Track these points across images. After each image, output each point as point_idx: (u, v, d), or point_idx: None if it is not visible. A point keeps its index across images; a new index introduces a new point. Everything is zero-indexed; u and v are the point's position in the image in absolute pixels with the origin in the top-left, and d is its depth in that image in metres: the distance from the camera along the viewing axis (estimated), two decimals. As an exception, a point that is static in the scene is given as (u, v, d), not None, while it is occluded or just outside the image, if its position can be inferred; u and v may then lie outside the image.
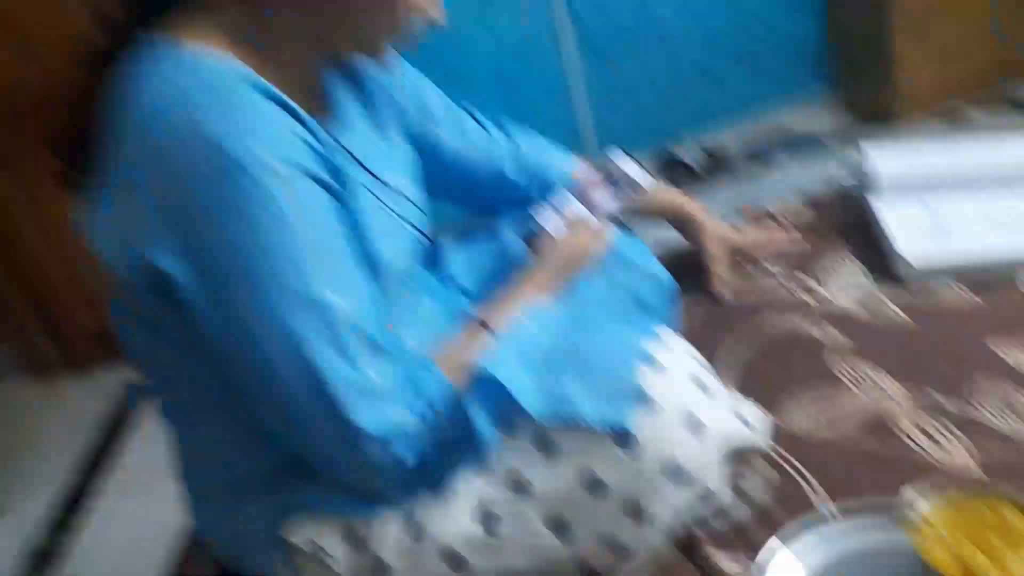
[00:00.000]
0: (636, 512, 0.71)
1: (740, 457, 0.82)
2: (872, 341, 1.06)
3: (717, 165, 2.75)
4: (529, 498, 0.72)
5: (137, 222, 0.62)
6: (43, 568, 1.40)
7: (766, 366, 1.07)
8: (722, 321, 1.16)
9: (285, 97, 0.65)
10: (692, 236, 1.20)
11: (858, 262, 1.22)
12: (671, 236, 1.25)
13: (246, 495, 0.76)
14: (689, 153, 2.74)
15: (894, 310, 1.10)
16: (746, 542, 0.80)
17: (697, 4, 2.72)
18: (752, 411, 0.83)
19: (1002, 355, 0.98)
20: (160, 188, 0.60)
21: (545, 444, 0.72)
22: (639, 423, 0.69)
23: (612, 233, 0.99)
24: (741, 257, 1.25)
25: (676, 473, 0.70)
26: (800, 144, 2.65)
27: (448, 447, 0.70)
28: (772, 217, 1.40)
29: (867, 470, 0.86)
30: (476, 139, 1.02)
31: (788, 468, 0.88)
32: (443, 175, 1.00)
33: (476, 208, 1.09)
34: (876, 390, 0.97)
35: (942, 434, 0.89)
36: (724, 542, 0.81)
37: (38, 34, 2.00)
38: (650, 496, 0.71)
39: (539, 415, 0.70)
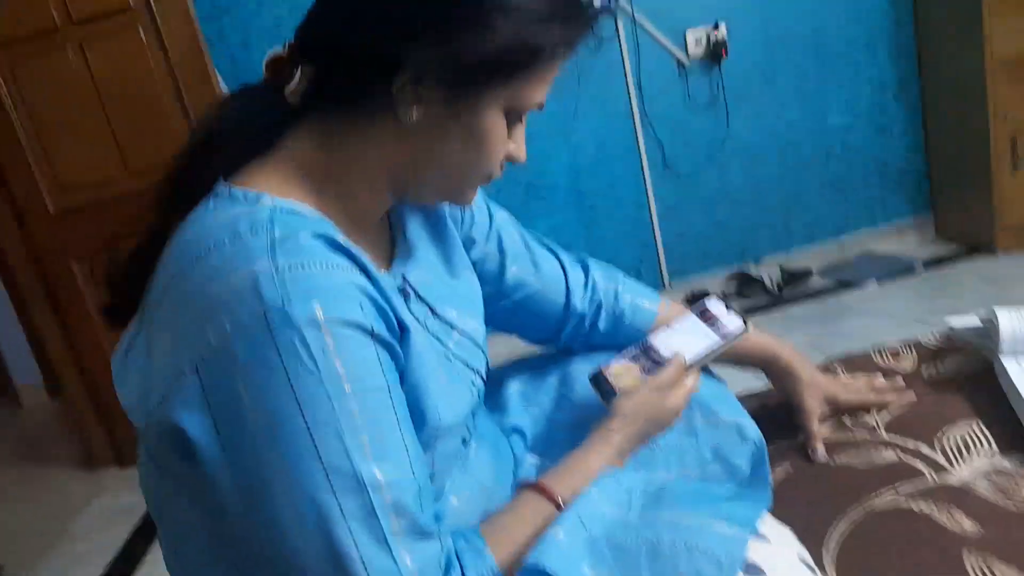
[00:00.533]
0: None
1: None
2: (1004, 529, 0.89)
3: (798, 286, 2.64)
4: None
5: (162, 370, 0.56)
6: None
7: (868, 546, 0.91)
8: (818, 487, 1.00)
9: (351, 245, 0.60)
10: (786, 386, 1.06)
11: (983, 426, 1.05)
12: (760, 382, 1.12)
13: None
14: (767, 272, 2.63)
15: (1032, 493, 0.93)
16: None
17: (782, 128, 2.68)
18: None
19: None
20: (195, 337, 0.54)
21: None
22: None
23: (696, 380, 0.88)
24: (841, 411, 1.11)
25: None
26: (892, 269, 2.50)
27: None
28: (873, 362, 1.25)
29: None
30: (548, 272, 0.94)
31: None
32: (510, 308, 0.93)
33: (544, 340, 1.01)
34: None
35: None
36: None
37: (142, 157, 2.13)
38: None
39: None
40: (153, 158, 2.09)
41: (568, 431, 0.89)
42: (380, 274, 0.65)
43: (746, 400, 1.18)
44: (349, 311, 0.55)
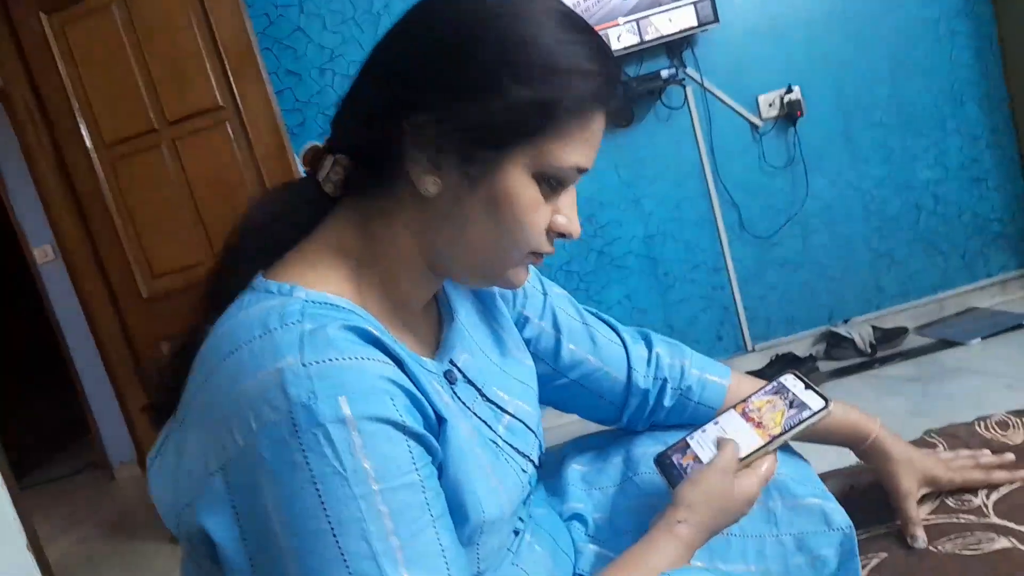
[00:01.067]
0: None
1: None
2: None
3: (893, 346, 2.48)
4: None
5: (191, 472, 0.55)
6: None
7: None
8: (919, 577, 0.90)
9: (386, 335, 0.58)
10: (877, 466, 0.97)
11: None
12: (847, 459, 1.03)
13: None
14: (858, 331, 2.49)
15: None
16: None
17: (867, 185, 2.58)
18: None
19: None
20: (222, 437, 0.52)
21: None
22: None
23: (773, 464, 0.80)
24: (942, 492, 1.00)
25: None
26: (997, 325, 2.32)
27: None
28: (977, 434, 1.14)
29: None
30: (607, 348, 0.90)
31: None
32: (568, 386, 0.89)
33: (607, 420, 0.96)
34: None
35: None
36: None
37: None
38: None
39: None
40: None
41: (632, 518, 0.84)
42: (422, 361, 0.63)
43: (831, 479, 1.09)
44: (378, 406, 0.53)
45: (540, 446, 0.78)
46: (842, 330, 2.53)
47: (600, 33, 2.45)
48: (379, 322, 0.60)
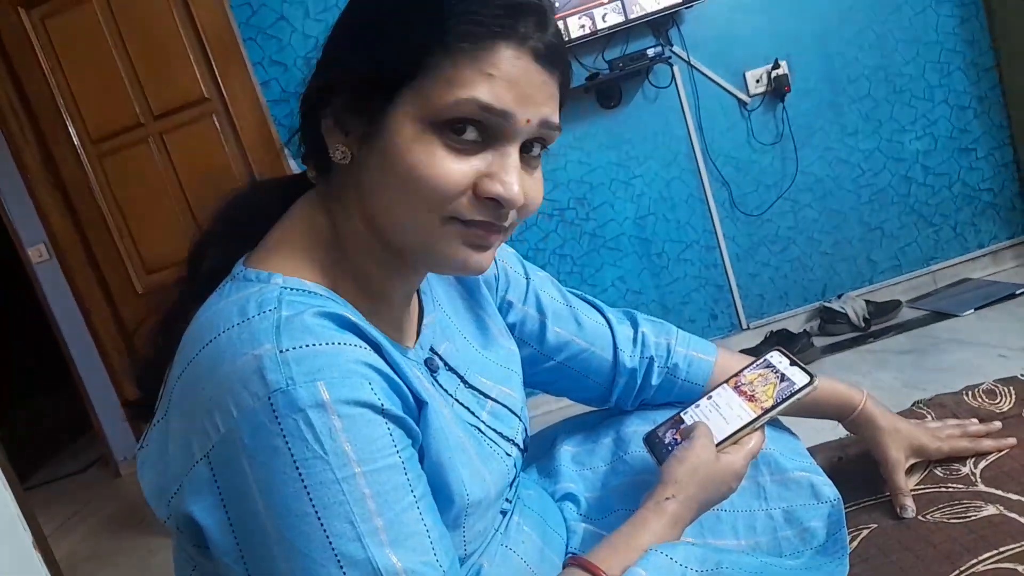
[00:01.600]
0: None
1: None
2: None
3: (886, 319, 2.49)
4: None
5: (176, 461, 0.55)
6: None
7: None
8: (908, 549, 0.91)
9: (363, 321, 0.58)
10: (865, 437, 0.98)
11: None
12: (836, 432, 1.04)
13: None
14: (852, 306, 2.50)
15: None
16: None
17: (856, 159, 2.58)
18: None
19: None
20: (204, 424, 0.53)
21: None
22: None
23: (760, 440, 0.81)
24: (930, 461, 1.01)
25: None
26: (991, 296, 2.33)
27: None
28: (965, 404, 1.15)
29: None
30: (592, 329, 0.90)
31: None
32: (555, 369, 0.90)
33: (595, 400, 0.96)
34: None
35: None
36: None
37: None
38: None
39: None
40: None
41: (624, 497, 0.85)
42: (402, 349, 0.63)
43: (821, 452, 1.10)
44: (356, 389, 0.53)
45: (525, 430, 0.79)
46: (836, 305, 2.54)
47: (584, 12, 2.39)
48: (356, 309, 0.60)
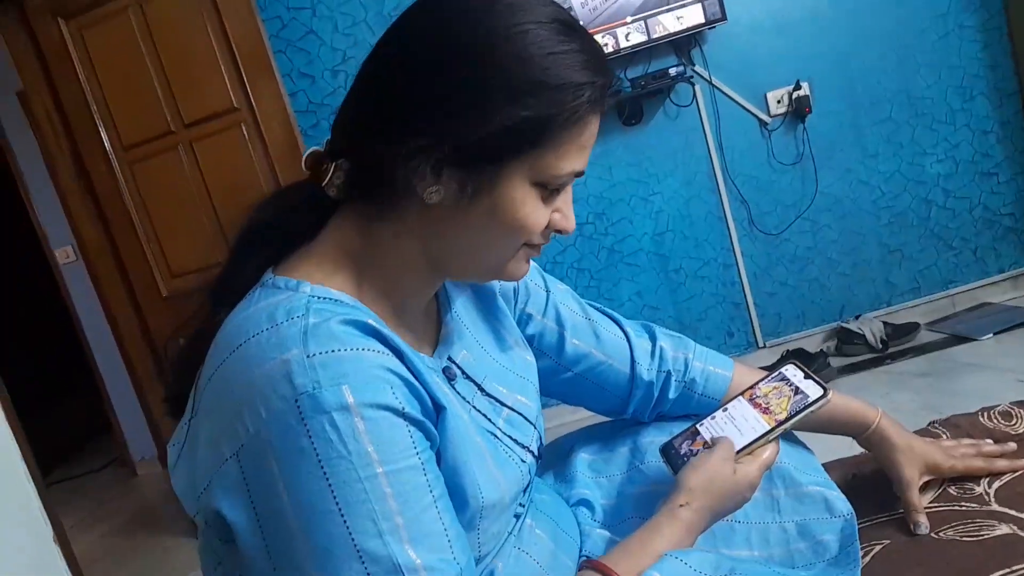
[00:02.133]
0: None
1: None
2: None
3: (904, 341, 2.48)
4: None
5: (206, 458, 0.58)
6: None
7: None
8: (921, 566, 0.92)
9: (386, 329, 0.61)
10: (880, 453, 0.98)
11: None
12: (851, 449, 1.05)
13: None
14: (870, 327, 2.50)
15: None
16: None
17: (877, 181, 2.59)
18: None
19: None
20: (234, 425, 0.56)
21: None
22: None
23: (774, 452, 0.83)
24: (944, 480, 1.02)
25: None
26: (1009, 321, 2.32)
27: None
28: (980, 424, 1.15)
29: None
30: (611, 342, 0.92)
31: None
32: (573, 380, 0.91)
33: (612, 412, 0.98)
34: None
35: None
36: None
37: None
38: None
39: None
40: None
41: (639, 506, 0.86)
42: (420, 356, 0.66)
43: (835, 469, 1.11)
44: (378, 393, 0.55)
45: (540, 438, 0.80)
46: (853, 326, 2.54)
47: (594, 35, 2.48)
48: (379, 318, 0.63)
